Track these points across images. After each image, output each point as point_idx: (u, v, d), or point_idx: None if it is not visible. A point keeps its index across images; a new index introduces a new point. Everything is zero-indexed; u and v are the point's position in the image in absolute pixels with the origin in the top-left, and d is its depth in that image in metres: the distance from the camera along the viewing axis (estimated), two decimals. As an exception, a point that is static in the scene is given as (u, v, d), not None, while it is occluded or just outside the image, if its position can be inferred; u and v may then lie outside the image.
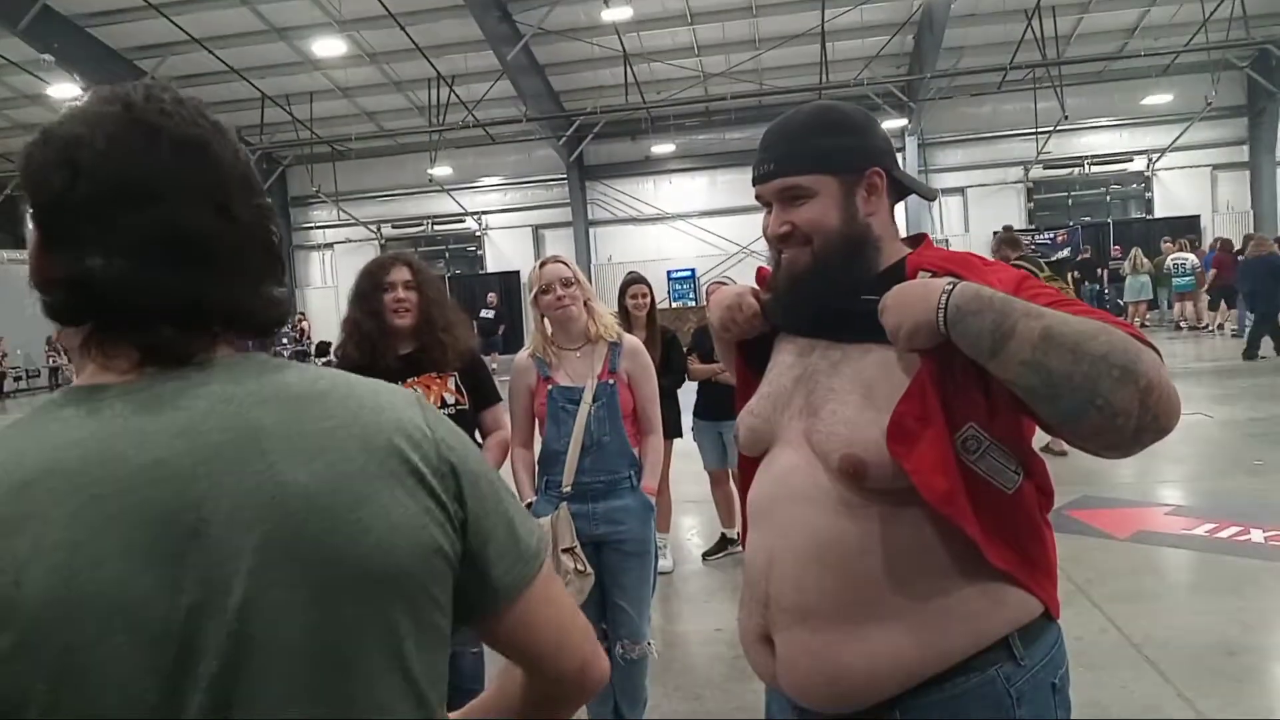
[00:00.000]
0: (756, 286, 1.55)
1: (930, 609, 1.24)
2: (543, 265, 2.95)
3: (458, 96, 18.75)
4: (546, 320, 2.96)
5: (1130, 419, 1.09)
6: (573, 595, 2.76)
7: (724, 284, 5.34)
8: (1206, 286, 15.78)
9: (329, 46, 17.80)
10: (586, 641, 0.93)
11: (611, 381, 2.88)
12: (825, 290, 1.35)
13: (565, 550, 2.77)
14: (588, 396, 2.84)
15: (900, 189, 1.42)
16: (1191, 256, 16.36)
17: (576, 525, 2.81)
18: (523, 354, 3.02)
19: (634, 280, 4.88)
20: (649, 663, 3.02)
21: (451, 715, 1.02)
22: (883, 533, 1.24)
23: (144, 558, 0.69)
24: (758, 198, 1.41)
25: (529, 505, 2.93)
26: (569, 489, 2.84)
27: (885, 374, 1.29)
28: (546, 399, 2.90)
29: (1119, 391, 1.08)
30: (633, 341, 3.00)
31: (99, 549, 0.68)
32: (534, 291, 2.92)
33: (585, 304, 2.93)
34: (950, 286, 1.18)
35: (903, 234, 1.44)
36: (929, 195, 1.52)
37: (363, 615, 0.75)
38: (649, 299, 4.85)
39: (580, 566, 2.78)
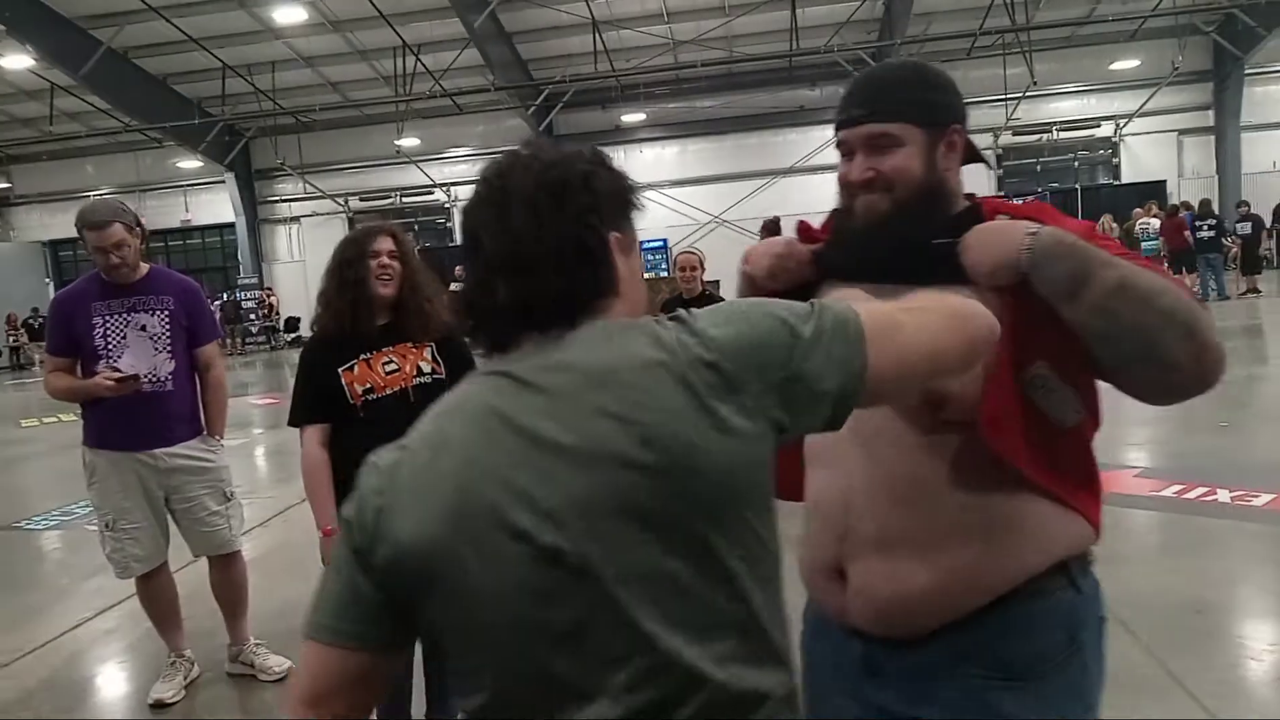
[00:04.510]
0: (795, 237, 1.55)
1: (1003, 529, 1.29)
2: None
3: (424, 65, 18.45)
4: None
5: (1184, 374, 1.19)
6: None
7: (694, 253, 5.30)
8: (1161, 253, 16.02)
9: (290, 14, 17.44)
10: None
11: None
12: (905, 234, 1.35)
13: None
14: None
15: (970, 153, 1.44)
16: (1155, 221, 16.54)
17: None
18: None
19: None
20: None
21: None
22: (958, 462, 1.29)
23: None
24: (840, 144, 1.41)
25: None
26: None
27: None
28: None
29: (1179, 346, 1.18)
30: None
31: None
32: None
33: None
34: (1035, 229, 1.23)
35: None
36: (991, 164, 1.54)
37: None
38: None
39: None
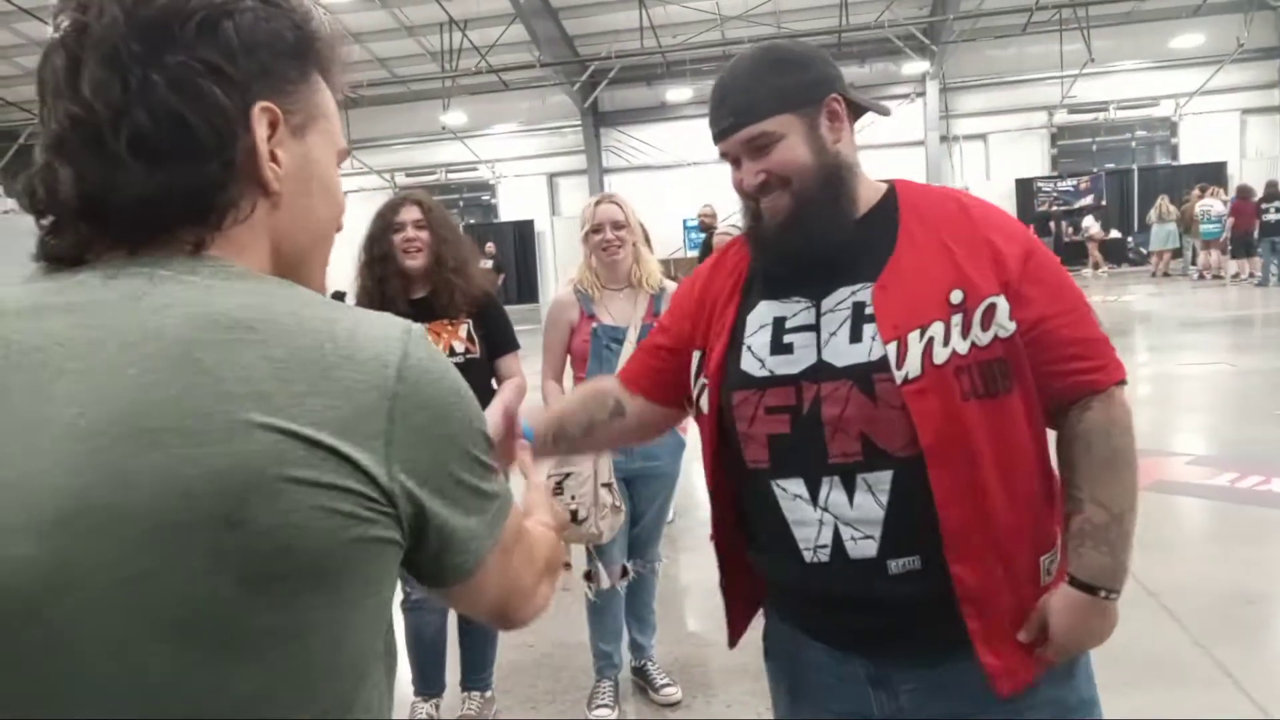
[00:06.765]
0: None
1: None
2: (598, 203, 3.00)
3: (470, 41, 18.48)
4: (594, 257, 3.00)
5: None
6: (605, 530, 2.79)
7: (728, 234, 5.29)
8: (1227, 235, 15.52)
9: (339, -10, 17.54)
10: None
11: (654, 324, 2.92)
12: (814, 226, 1.34)
13: (605, 485, 2.82)
14: (632, 336, 2.89)
15: (856, 110, 1.42)
16: (1217, 203, 16.05)
17: (615, 460, 2.87)
18: (565, 288, 3.07)
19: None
20: (656, 581, 3.19)
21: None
22: None
23: None
24: (723, 155, 1.40)
25: None
26: None
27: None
28: (590, 336, 2.94)
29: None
30: (675, 288, 3.04)
31: None
32: (585, 229, 2.97)
33: (634, 248, 2.98)
34: (1105, 595, 1.37)
35: (923, 181, 1.47)
36: (883, 110, 1.56)
37: None
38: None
39: (617, 502, 2.83)
